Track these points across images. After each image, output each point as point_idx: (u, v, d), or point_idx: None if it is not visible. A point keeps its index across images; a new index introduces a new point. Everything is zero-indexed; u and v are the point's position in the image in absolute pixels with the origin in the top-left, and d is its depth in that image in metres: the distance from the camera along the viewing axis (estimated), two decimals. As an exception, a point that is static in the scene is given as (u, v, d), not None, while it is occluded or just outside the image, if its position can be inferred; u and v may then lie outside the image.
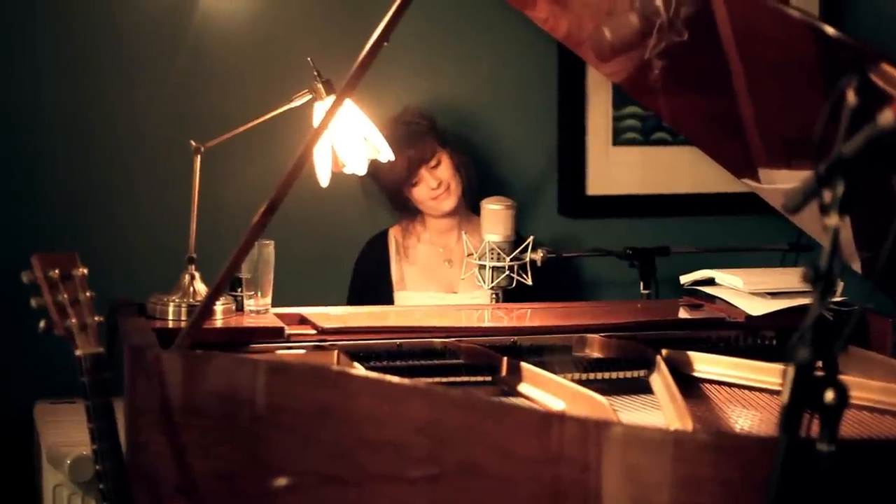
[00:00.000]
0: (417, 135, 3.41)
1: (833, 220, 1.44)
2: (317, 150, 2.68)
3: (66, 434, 3.03)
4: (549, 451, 1.83)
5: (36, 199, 3.52)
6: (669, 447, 1.78)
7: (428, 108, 3.57)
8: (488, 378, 2.49)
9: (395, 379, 2.01)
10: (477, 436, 1.89)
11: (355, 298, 3.51)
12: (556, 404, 2.28)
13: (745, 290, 2.85)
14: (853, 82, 1.44)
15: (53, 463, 3.00)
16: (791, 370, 1.42)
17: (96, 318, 2.16)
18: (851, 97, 1.44)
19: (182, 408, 2.19)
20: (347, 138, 2.70)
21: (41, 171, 3.53)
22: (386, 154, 2.80)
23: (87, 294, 2.17)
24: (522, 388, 2.40)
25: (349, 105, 2.69)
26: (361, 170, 2.75)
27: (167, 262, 2.93)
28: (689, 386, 2.47)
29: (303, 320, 2.70)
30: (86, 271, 2.18)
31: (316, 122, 2.73)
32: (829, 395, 1.43)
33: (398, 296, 3.48)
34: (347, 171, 2.75)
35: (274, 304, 2.75)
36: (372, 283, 3.51)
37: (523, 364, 2.42)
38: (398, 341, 2.61)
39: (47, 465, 3.02)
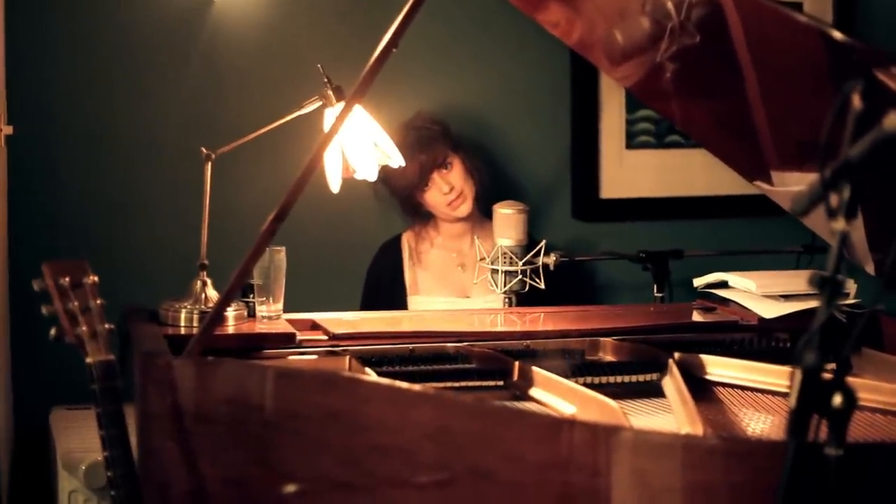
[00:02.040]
0: (429, 140, 3.41)
1: (840, 224, 1.43)
2: (327, 156, 2.68)
3: (81, 440, 3.05)
4: (558, 456, 1.82)
5: (49, 207, 3.53)
6: (679, 452, 1.77)
7: (441, 113, 3.57)
8: (500, 382, 2.48)
9: (404, 385, 2.02)
10: (486, 442, 1.89)
11: (369, 304, 3.51)
12: (567, 409, 2.27)
13: (757, 292, 2.84)
14: (858, 86, 1.43)
15: (68, 469, 3.02)
16: (798, 374, 1.41)
17: (107, 326, 2.17)
18: (857, 101, 1.44)
19: (193, 414, 2.19)
20: (357, 144, 2.70)
21: (54, 178, 3.54)
22: (396, 160, 2.80)
23: (98, 301, 2.17)
24: (534, 392, 2.40)
25: (359, 111, 2.69)
26: (372, 175, 2.75)
27: (181, 268, 2.94)
28: (702, 389, 2.46)
29: (315, 326, 2.70)
30: (96, 279, 2.18)
31: (326, 128, 2.73)
32: (837, 399, 1.42)
33: (412, 300, 3.48)
34: (358, 177, 2.76)
35: (287, 310, 2.76)
36: (385, 289, 3.51)
37: (535, 368, 2.42)
38: (410, 346, 2.61)
39: (62, 471, 3.03)
